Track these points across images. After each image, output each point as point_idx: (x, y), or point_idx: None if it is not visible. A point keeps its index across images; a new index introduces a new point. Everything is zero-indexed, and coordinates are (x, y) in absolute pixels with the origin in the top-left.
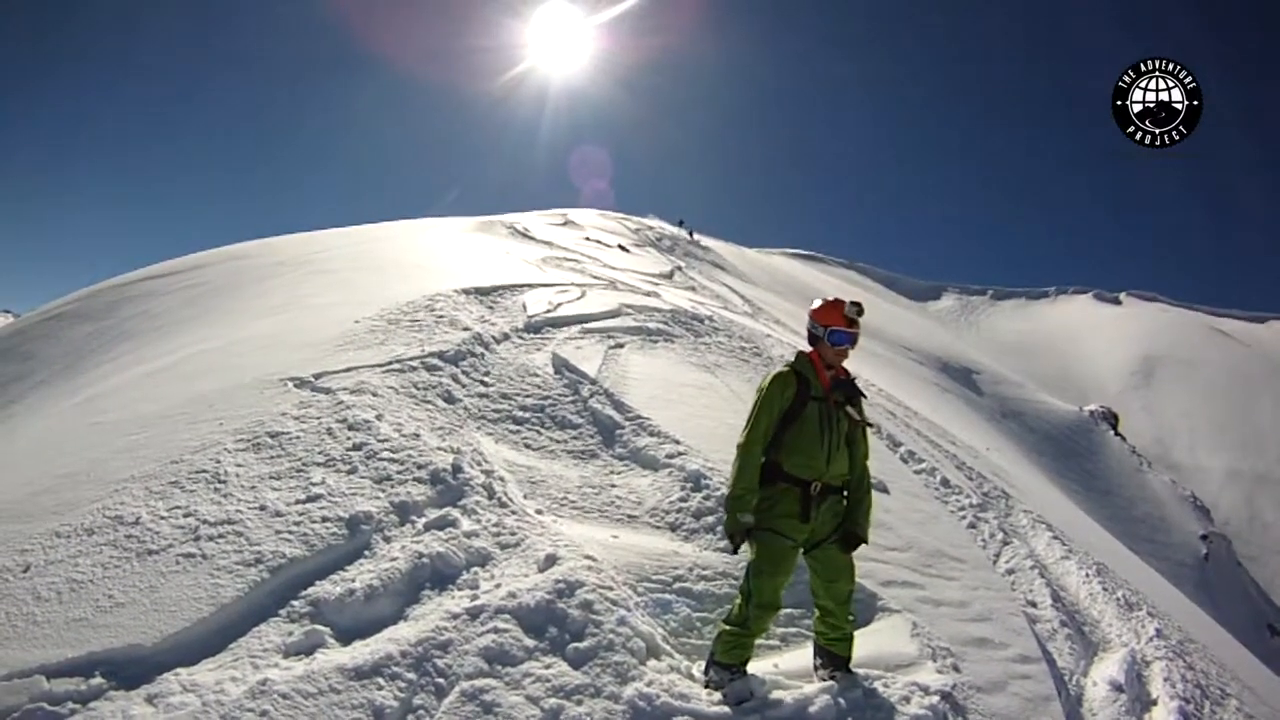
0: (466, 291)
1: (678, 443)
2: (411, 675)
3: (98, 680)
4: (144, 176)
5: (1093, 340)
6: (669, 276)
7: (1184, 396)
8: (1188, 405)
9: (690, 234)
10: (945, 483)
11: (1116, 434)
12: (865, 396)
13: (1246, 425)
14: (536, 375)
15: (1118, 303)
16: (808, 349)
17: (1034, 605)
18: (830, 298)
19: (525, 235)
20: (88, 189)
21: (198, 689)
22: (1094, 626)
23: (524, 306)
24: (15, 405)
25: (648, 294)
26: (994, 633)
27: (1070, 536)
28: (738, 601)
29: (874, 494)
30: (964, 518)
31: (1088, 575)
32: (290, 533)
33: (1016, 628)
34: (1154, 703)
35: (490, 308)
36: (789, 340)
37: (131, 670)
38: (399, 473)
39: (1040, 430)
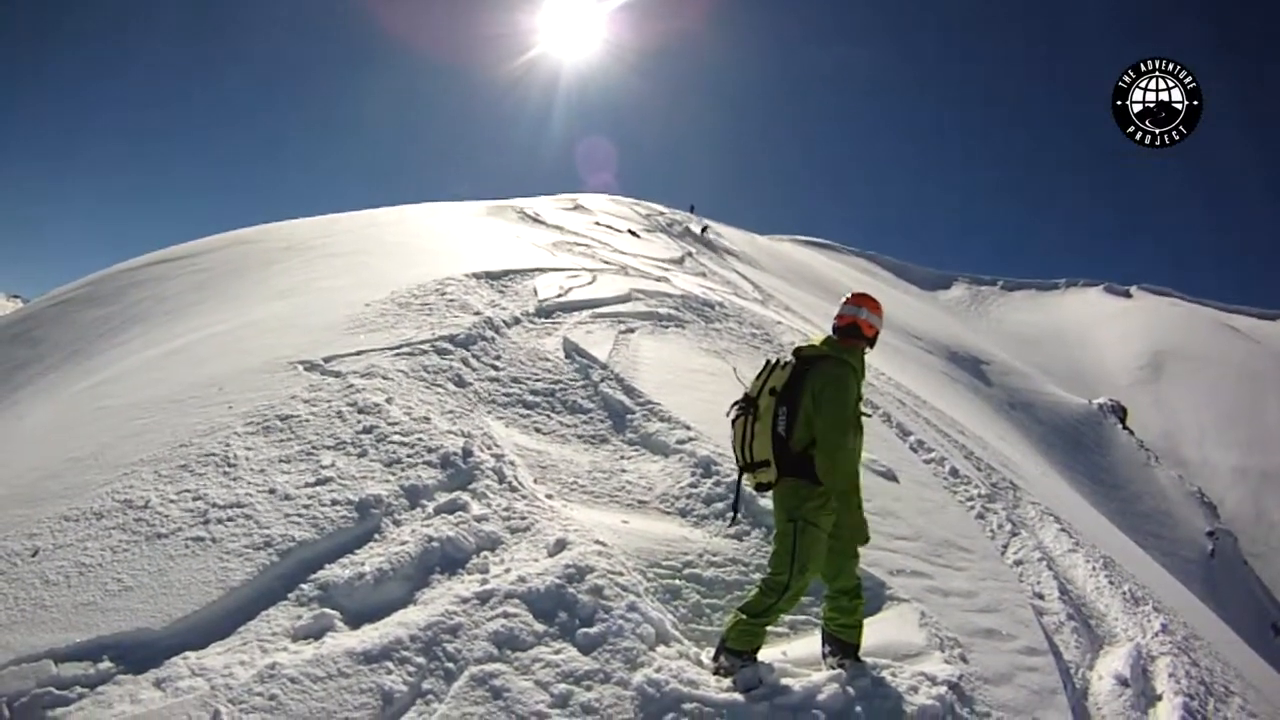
0: (477, 275)
1: (688, 428)
2: (421, 659)
3: (106, 664)
4: (153, 161)
5: (1103, 333)
6: (679, 262)
7: (1193, 392)
8: (1197, 401)
9: (702, 230)
10: (954, 472)
11: (1125, 428)
12: None
13: (1255, 422)
14: (547, 360)
15: (1128, 296)
16: (832, 336)
17: (1041, 597)
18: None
19: (536, 220)
20: (96, 174)
21: (206, 673)
22: (1100, 620)
23: (535, 291)
24: (24, 389)
25: (658, 279)
26: (1001, 624)
27: (1078, 529)
28: (756, 592)
29: (883, 482)
30: (972, 508)
31: (1095, 568)
32: (300, 516)
33: (1024, 619)
34: (1159, 698)
35: (501, 292)
36: (800, 327)
37: (140, 654)
38: (409, 456)
39: (1048, 422)
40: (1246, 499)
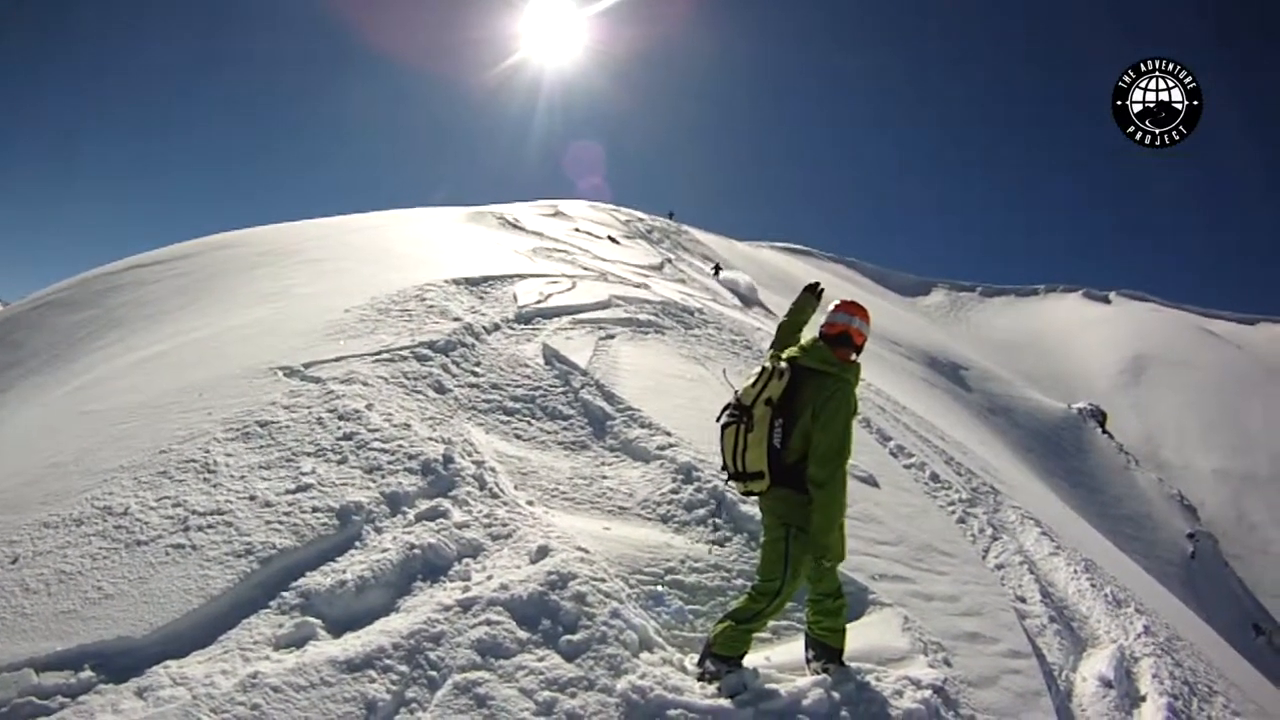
0: (457, 282)
1: (669, 434)
2: (404, 668)
3: (87, 673)
4: (134, 165)
5: (1082, 338)
6: (659, 268)
7: (1173, 396)
8: (1176, 405)
9: (715, 271)
10: (934, 477)
11: (1104, 432)
12: None
13: (1235, 426)
14: (527, 366)
15: (1107, 301)
16: (819, 341)
17: (1023, 600)
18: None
19: (515, 226)
20: (78, 177)
21: (188, 682)
22: (1083, 622)
23: (514, 297)
24: (4, 394)
25: (638, 286)
26: (984, 627)
27: (1058, 533)
28: (745, 598)
29: (864, 487)
30: (953, 513)
31: (1076, 571)
32: (280, 523)
33: (1007, 623)
34: (1143, 699)
35: (481, 298)
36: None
37: (121, 663)
38: (389, 463)
39: (1028, 427)
40: (1227, 502)
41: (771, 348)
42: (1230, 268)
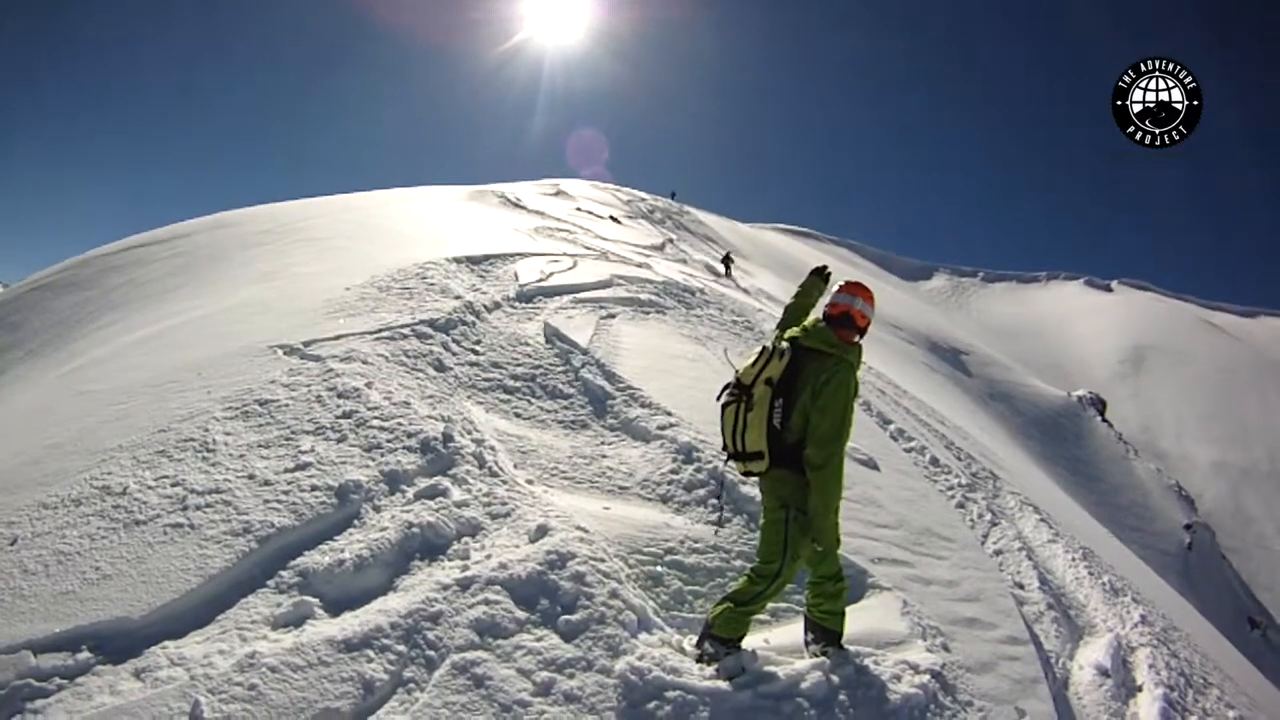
0: (458, 260)
1: (669, 414)
2: (402, 647)
3: (85, 655)
4: (132, 145)
5: (1082, 326)
6: (660, 248)
7: (1172, 386)
8: (1176, 395)
9: (726, 266)
10: (934, 462)
11: (1104, 420)
12: None
13: (1233, 419)
14: (528, 344)
15: (1109, 290)
16: (821, 323)
17: (1021, 587)
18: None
19: (517, 205)
20: (75, 158)
21: (186, 662)
22: (1080, 610)
23: (515, 276)
24: (3, 375)
25: (639, 265)
26: (983, 613)
27: (1057, 520)
28: (744, 580)
29: (864, 470)
30: (953, 497)
31: (1074, 559)
32: (279, 502)
33: (1005, 609)
34: (1139, 689)
35: (482, 276)
36: (780, 315)
37: (119, 644)
38: (389, 441)
39: (1028, 413)
40: (1225, 494)
41: (777, 329)
42: (1231, 261)
